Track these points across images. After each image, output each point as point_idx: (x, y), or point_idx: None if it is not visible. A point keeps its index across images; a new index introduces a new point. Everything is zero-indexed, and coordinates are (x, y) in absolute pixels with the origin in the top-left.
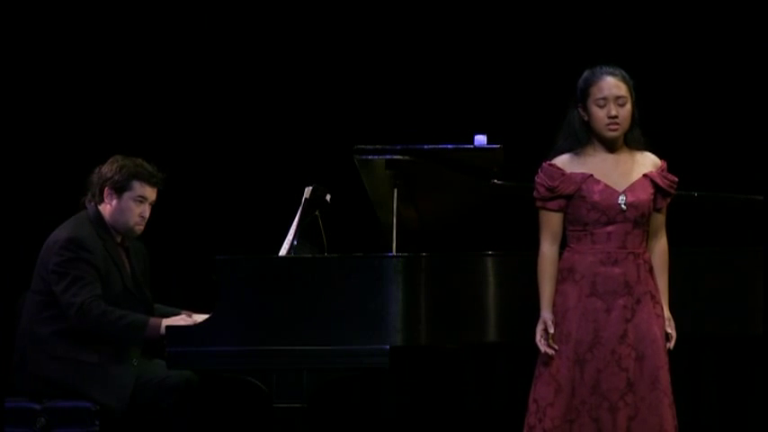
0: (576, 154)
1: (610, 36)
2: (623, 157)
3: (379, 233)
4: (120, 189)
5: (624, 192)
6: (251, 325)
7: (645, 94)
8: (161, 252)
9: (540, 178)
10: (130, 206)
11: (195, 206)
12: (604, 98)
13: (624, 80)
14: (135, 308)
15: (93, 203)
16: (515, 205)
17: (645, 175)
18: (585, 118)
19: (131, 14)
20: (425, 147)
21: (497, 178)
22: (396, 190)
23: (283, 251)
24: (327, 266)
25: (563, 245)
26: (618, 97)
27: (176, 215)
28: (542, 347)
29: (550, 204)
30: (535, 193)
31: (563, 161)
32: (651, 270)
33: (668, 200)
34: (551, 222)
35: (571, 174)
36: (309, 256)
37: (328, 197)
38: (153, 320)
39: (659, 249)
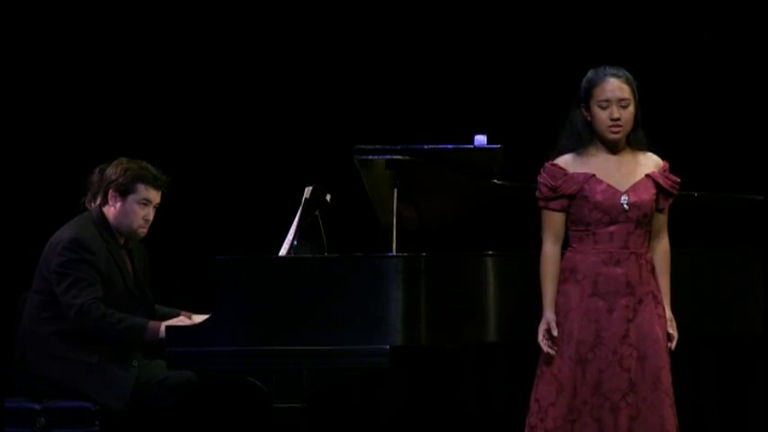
0: (579, 154)
1: (610, 36)
2: (626, 157)
3: (379, 233)
4: (124, 192)
5: (626, 192)
6: (251, 325)
7: (645, 94)
8: (161, 252)
9: (543, 178)
10: (135, 209)
11: (195, 206)
12: (607, 100)
13: (628, 82)
14: (137, 309)
15: (96, 205)
16: (515, 205)
17: (647, 176)
18: (588, 118)
19: (130, 15)
20: (425, 147)
21: (497, 178)
22: (396, 190)
23: (283, 251)
24: (327, 266)
25: (565, 245)
26: (621, 99)
27: (176, 216)
28: (545, 348)
29: (553, 204)
30: (537, 193)
31: (565, 161)
32: (653, 270)
33: (670, 200)
34: (554, 222)
35: (574, 173)
36: (309, 256)
37: (328, 197)
38: (152, 323)
39: (661, 250)
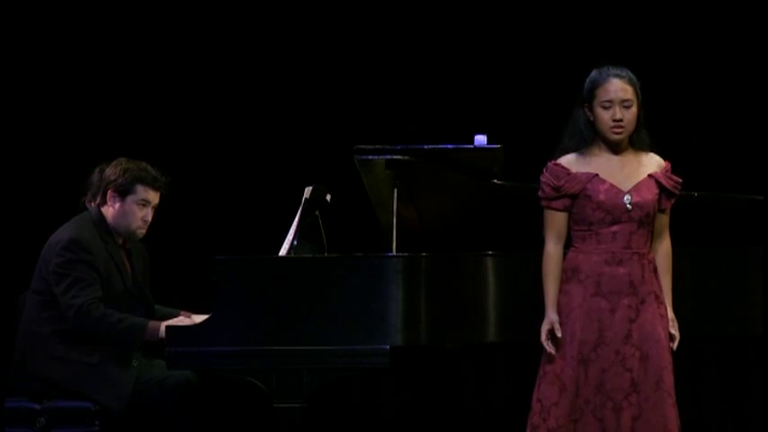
0: (582, 153)
1: (609, 36)
2: (628, 157)
3: (379, 233)
4: (123, 192)
5: (629, 192)
6: (251, 325)
7: (645, 94)
8: (161, 252)
9: (546, 177)
10: (133, 210)
11: (195, 206)
12: (610, 101)
13: (631, 82)
14: (136, 309)
15: (95, 205)
16: (515, 205)
17: (650, 176)
18: (591, 118)
19: (130, 14)
20: (425, 147)
21: (497, 178)
22: (396, 190)
23: (283, 251)
24: (327, 266)
25: (567, 245)
26: (624, 100)
27: (176, 215)
28: (548, 348)
29: (555, 204)
30: (540, 193)
31: (568, 161)
32: (655, 270)
33: (672, 201)
34: (556, 222)
35: (576, 173)
36: (309, 256)
37: (328, 197)
38: (152, 323)
39: (663, 250)
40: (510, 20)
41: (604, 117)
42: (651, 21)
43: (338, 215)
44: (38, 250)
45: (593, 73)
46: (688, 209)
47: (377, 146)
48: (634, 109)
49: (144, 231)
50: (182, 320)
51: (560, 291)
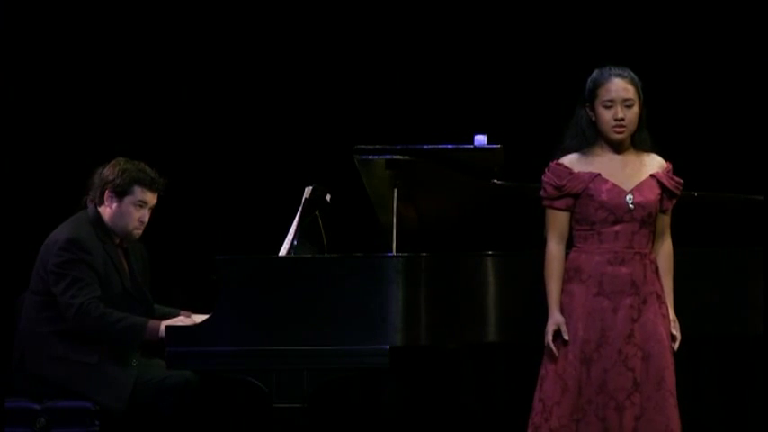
0: (584, 153)
1: (610, 37)
2: (630, 157)
3: (379, 233)
4: (121, 193)
5: (631, 191)
6: (251, 325)
7: (645, 94)
8: (161, 252)
9: (548, 177)
10: (130, 210)
11: (195, 206)
12: (611, 100)
13: (632, 82)
14: (135, 309)
15: (92, 205)
16: (515, 205)
17: (652, 176)
18: (593, 118)
19: (130, 14)
20: (425, 147)
21: (497, 178)
22: (396, 190)
23: (283, 251)
24: (327, 266)
25: (569, 245)
26: (625, 99)
27: (176, 215)
28: (553, 349)
29: (558, 203)
30: (542, 192)
31: (570, 160)
32: (657, 270)
33: (674, 201)
34: (558, 221)
35: (579, 173)
36: (309, 256)
37: (328, 197)
38: (152, 323)
39: (664, 251)
40: (510, 20)
41: (606, 116)
42: (651, 21)
43: (338, 215)
44: (37, 250)
45: (595, 73)
46: (688, 209)
47: (377, 146)
48: (635, 109)
49: (140, 232)
50: (182, 320)
51: (562, 291)
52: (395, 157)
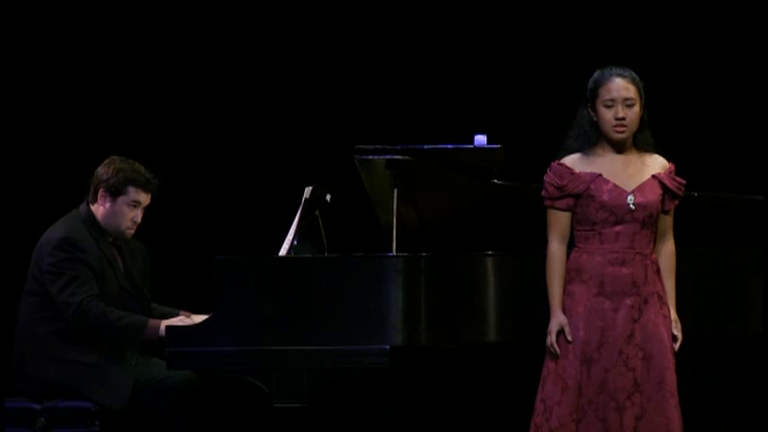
0: (586, 153)
1: (611, 37)
2: (632, 157)
3: (379, 233)
4: (114, 192)
5: (633, 192)
6: (251, 325)
7: (645, 95)
8: (161, 252)
9: (549, 177)
10: (124, 210)
11: (195, 206)
12: (612, 99)
13: (633, 82)
14: (131, 306)
15: (85, 203)
16: (515, 205)
17: (653, 176)
18: (594, 118)
19: (132, 14)
20: (425, 147)
21: (497, 178)
22: (396, 190)
23: (283, 251)
24: (327, 266)
25: (570, 245)
26: (626, 99)
27: (176, 215)
28: (556, 349)
29: (559, 203)
30: (543, 192)
31: (572, 160)
32: (658, 271)
33: (676, 202)
34: (560, 221)
35: (580, 173)
36: (309, 256)
37: (328, 197)
38: (152, 321)
39: (666, 251)
40: (510, 20)
41: (607, 116)
42: (652, 22)
43: (338, 215)
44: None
45: (597, 73)
46: (688, 209)
47: (377, 146)
48: (637, 108)
49: (132, 231)
50: (182, 320)
51: (564, 291)
52: (395, 157)
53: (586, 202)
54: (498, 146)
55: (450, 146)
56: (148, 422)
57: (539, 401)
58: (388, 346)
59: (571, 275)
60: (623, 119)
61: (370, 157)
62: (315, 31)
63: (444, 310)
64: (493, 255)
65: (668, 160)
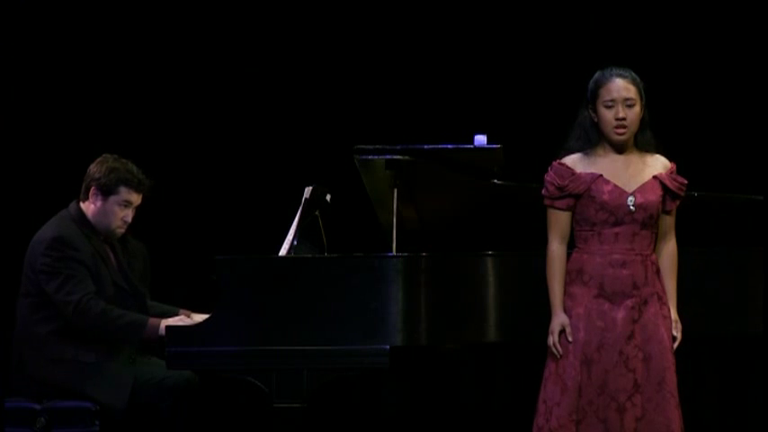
0: (587, 154)
1: (611, 37)
2: (633, 158)
3: (379, 233)
4: (106, 192)
5: (633, 193)
6: (251, 325)
7: (645, 95)
8: (161, 252)
9: (550, 177)
10: (115, 210)
11: (195, 206)
12: (612, 100)
13: (634, 82)
14: (126, 302)
15: (75, 202)
16: (515, 205)
17: (654, 177)
18: (595, 119)
19: (134, 14)
20: (425, 147)
21: (497, 178)
22: (396, 190)
23: (283, 251)
24: (327, 266)
25: (570, 245)
26: (626, 99)
27: (176, 215)
28: (557, 350)
29: (559, 203)
30: (544, 191)
31: (573, 160)
32: (658, 271)
33: (677, 202)
34: (560, 221)
35: (581, 174)
36: (309, 256)
37: (328, 197)
38: (152, 320)
39: (668, 251)
40: (510, 20)
41: (607, 116)
42: (652, 22)
43: (338, 215)
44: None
45: (597, 74)
46: (688, 209)
47: (377, 146)
48: (637, 108)
49: (123, 231)
50: (182, 320)
51: (565, 292)
52: (395, 157)
53: (586, 203)
54: (498, 146)
55: (450, 146)
56: (148, 422)
57: (540, 402)
58: (388, 346)
59: (572, 276)
60: (624, 119)
61: (370, 157)
62: (315, 31)
63: (444, 310)
64: (493, 255)
65: (669, 160)
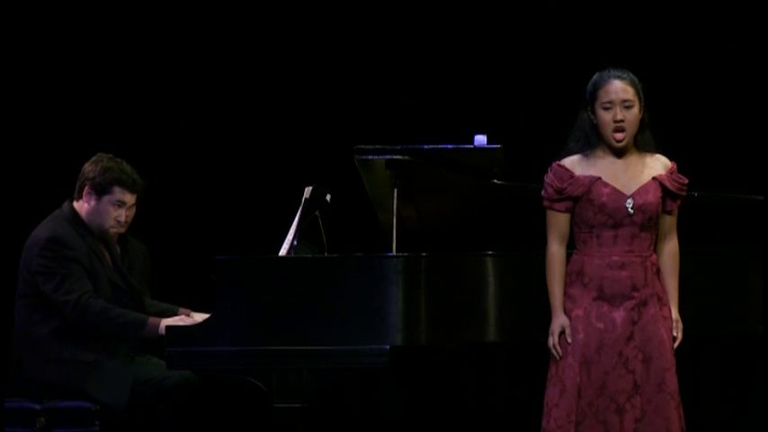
0: (586, 156)
1: (611, 37)
2: (633, 159)
3: (379, 233)
4: (100, 191)
5: (632, 195)
6: (251, 325)
7: (645, 95)
8: (161, 252)
9: (549, 178)
10: (108, 210)
11: (195, 206)
12: (610, 101)
13: (632, 84)
14: (122, 298)
15: (68, 201)
16: (515, 205)
17: (654, 178)
18: (594, 121)
19: (136, 14)
20: (425, 147)
21: (497, 178)
22: (396, 190)
23: (283, 251)
24: (327, 266)
25: (570, 246)
26: (624, 100)
27: (176, 215)
28: (556, 351)
29: (558, 205)
30: (543, 193)
31: (572, 162)
32: (658, 272)
33: (678, 202)
34: (559, 223)
35: (579, 176)
36: (309, 256)
37: (328, 197)
38: (152, 320)
39: (669, 251)
40: (510, 20)
41: (606, 118)
42: (652, 22)
43: (338, 215)
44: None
45: (595, 75)
46: (688, 209)
47: (377, 146)
48: (635, 110)
49: (117, 230)
50: (182, 320)
51: (564, 294)
52: (395, 157)
53: (585, 206)
54: (498, 146)
55: (450, 146)
56: (148, 422)
57: (544, 403)
58: (388, 346)
59: (572, 278)
60: (622, 121)
61: (370, 157)
62: (314, 31)
63: (444, 310)
64: (493, 255)
65: (670, 159)
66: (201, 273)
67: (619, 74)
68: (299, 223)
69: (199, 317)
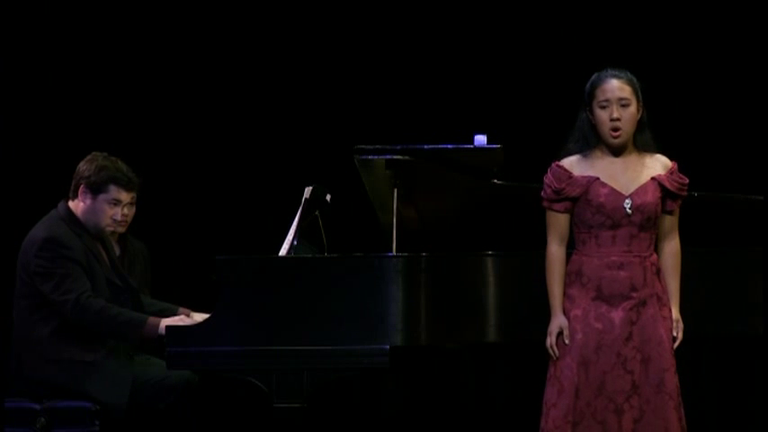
0: (585, 156)
1: (611, 37)
2: (632, 159)
3: (379, 233)
4: (96, 190)
5: (630, 196)
6: (251, 325)
7: (645, 95)
8: (161, 252)
9: (548, 179)
10: (104, 208)
11: (195, 206)
12: (607, 100)
13: (629, 83)
14: (120, 297)
15: (63, 201)
16: (515, 205)
17: (653, 179)
18: (593, 121)
19: (135, 13)
20: (425, 147)
21: (497, 178)
22: (396, 190)
23: (283, 251)
24: (327, 266)
25: (570, 246)
26: (621, 99)
27: (176, 215)
28: (554, 351)
29: (557, 206)
30: (542, 193)
31: (571, 163)
32: (658, 272)
33: (679, 202)
34: (558, 223)
35: (578, 177)
36: (309, 256)
37: (328, 197)
38: (152, 319)
39: (670, 251)
40: (510, 20)
41: (603, 117)
42: (652, 22)
43: (338, 215)
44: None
45: (594, 76)
46: (688, 209)
47: (377, 146)
48: (632, 109)
49: (112, 229)
50: (182, 320)
51: (564, 294)
52: (395, 157)
53: (583, 206)
54: (498, 146)
55: (450, 146)
56: (148, 422)
57: (543, 403)
58: (387, 346)
59: (571, 278)
60: (618, 119)
61: (370, 157)
62: (314, 30)
63: (444, 310)
64: (493, 255)
65: (670, 159)
66: (201, 273)
67: (616, 73)
68: (299, 223)
69: (199, 317)
